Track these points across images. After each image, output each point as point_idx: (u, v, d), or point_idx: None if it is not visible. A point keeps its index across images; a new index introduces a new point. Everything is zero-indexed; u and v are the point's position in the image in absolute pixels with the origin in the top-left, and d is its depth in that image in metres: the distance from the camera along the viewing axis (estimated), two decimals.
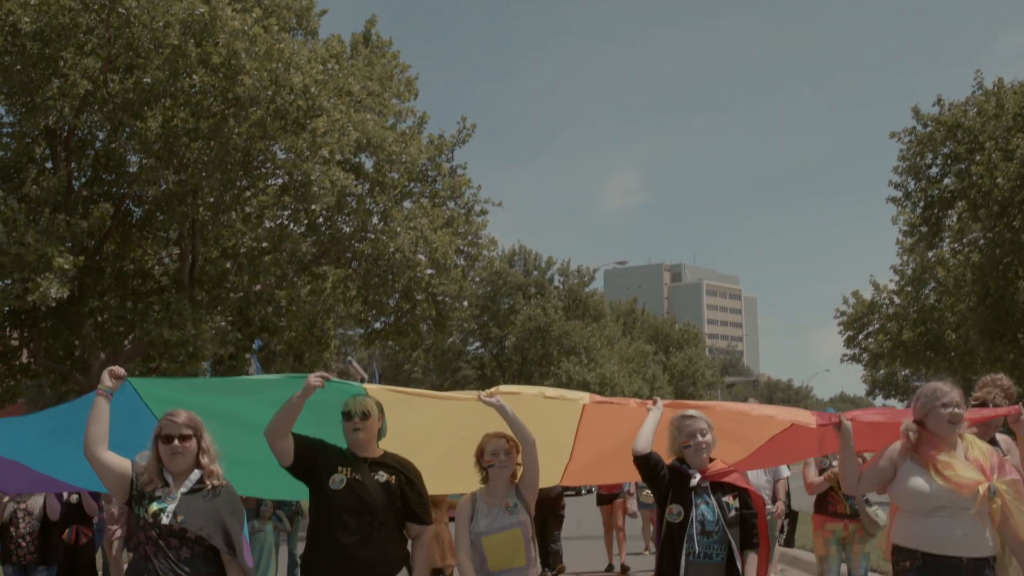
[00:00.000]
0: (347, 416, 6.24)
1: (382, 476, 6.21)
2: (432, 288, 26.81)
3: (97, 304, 21.67)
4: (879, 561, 11.71)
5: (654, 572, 6.52)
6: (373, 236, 25.36)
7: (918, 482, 6.04)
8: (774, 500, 11.65)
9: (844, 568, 10.37)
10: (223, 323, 22.28)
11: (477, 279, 55.63)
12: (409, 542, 6.48)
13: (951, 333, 38.81)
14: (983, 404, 7.22)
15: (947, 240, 35.07)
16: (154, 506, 5.67)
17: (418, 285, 26.22)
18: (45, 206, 19.85)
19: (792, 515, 12.54)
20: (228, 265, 24.63)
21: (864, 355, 45.28)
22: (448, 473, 7.03)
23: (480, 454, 6.56)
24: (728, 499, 6.39)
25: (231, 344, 22.48)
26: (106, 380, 5.95)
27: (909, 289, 42.09)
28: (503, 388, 6.68)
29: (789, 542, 12.58)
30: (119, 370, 6.03)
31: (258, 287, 24.61)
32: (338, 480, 6.12)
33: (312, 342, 28.17)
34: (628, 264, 79.56)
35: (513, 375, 57.58)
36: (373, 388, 6.62)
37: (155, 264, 25.23)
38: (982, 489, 5.89)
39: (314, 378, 6.09)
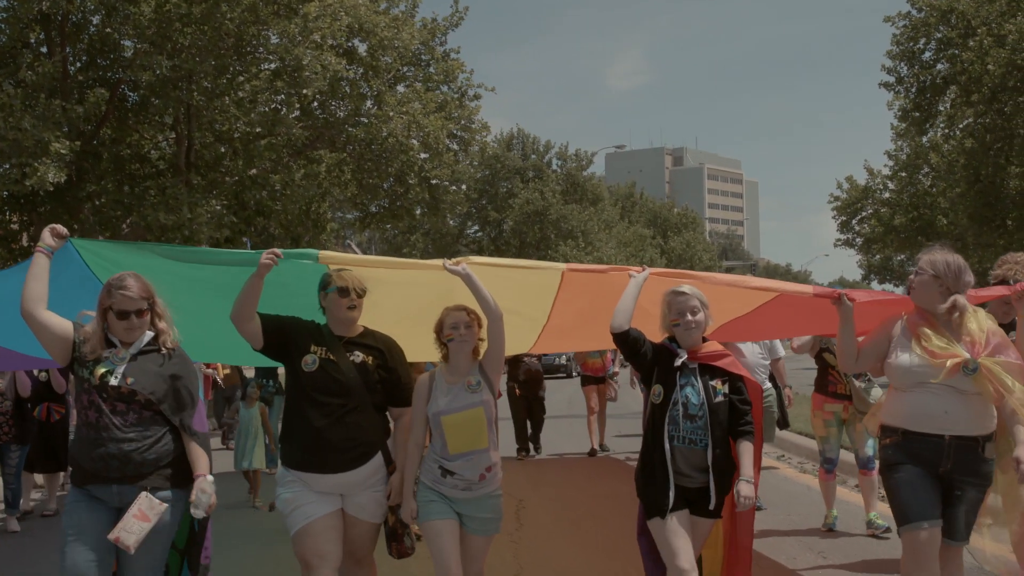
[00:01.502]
0: (343, 292, 5.91)
1: (357, 356, 5.92)
2: (425, 172, 27.07)
3: (95, 188, 21.94)
4: None
5: (639, 457, 6.14)
6: (366, 121, 25.57)
7: (902, 355, 5.86)
8: (772, 379, 11.50)
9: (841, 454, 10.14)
10: (218, 207, 22.55)
11: (475, 163, 55.88)
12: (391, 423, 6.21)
13: (943, 218, 39.04)
14: (1003, 281, 6.84)
15: (940, 126, 35.16)
16: (101, 368, 5.30)
17: (411, 169, 26.48)
18: (41, 91, 19.98)
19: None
20: (223, 150, 24.83)
21: (857, 240, 45.66)
22: (421, 340, 6.61)
23: (439, 328, 6.08)
24: (716, 383, 5.94)
25: (227, 228, 22.76)
26: (47, 238, 5.53)
27: (903, 174, 42.22)
28: (473, 259, 6.16)
29: (782, 423, 12.31)
30: (61, 228, 5.62)
31: (253, 171, 24.85)
32: (311, 361, 5.84)
33: (308, 225, 28.45)
34: (627, 148, 79.79)
35: (511, 258, 57.88)
36: (328, 255, 6.21)
37: (151, 148, 25.42)
38: (950, 363, 5.64)
39: (265, 257, 5.67)
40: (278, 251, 5.72)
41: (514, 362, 16.21)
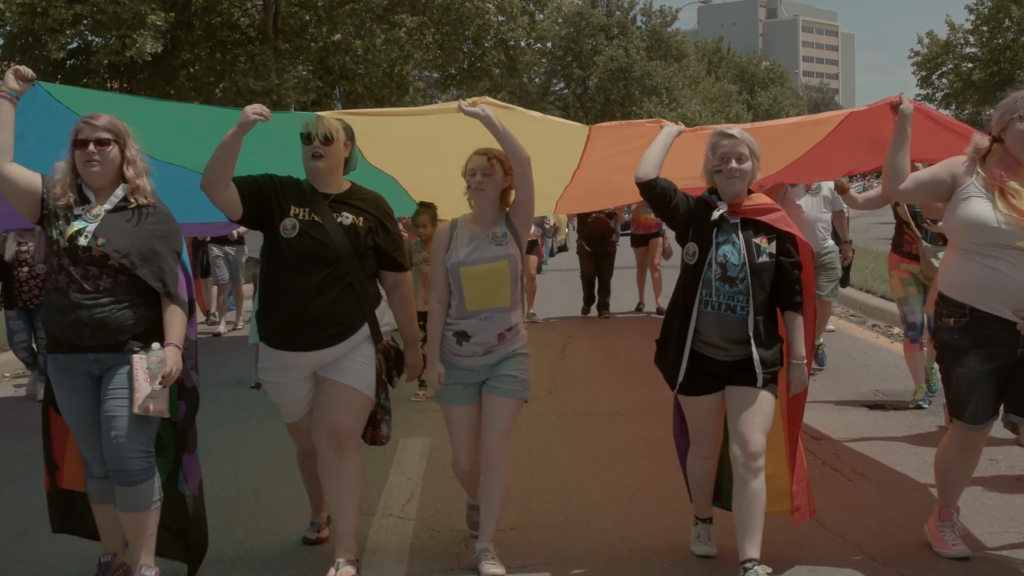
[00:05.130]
0: (306, 139, 5.17)
1: (346, 217, 5.18)
2: (501, 35, 28.15)
3: (189, 56, 23.46)
4: None
5: (662, 324, 5.32)
6: None
7: (978, 206, 4.85)
8: (834, 236, 10.54)
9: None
10: (304, 72, 24.01)
11: (559, 19, 56.40)
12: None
13: (1022, 72, 38.98)
14: None
15: None
16: (73, 226, 4.74)
17: (487, 32, 27.58)
18: None
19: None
20: (307, 17, 26.13)
21: (937, 95, 45.72)
22: (442, 189, 6.31)
23: (464, 174, 5.41)
24: (761, 240, 5.02)
25: (312, 92, 24.24)
26: (10, 81, 4.75)
27: (984, 29, 42.06)
28: (490, 100, 5.51)
29: (844, 281, 11.11)
30: (26, 71, 4.82)
31: (337, 37, 26.16)
32: (290, 226, 5.10)
33: (392, 87, 29.71)
34: (717, 1, 79.16)
35: (596, 115, 58.52)
36: (334, 113, 5.44)
37: (240, 16, 26.77)
38: None
39: (251, 110, 4.89)
40: (267, 110, 4.95)
41: (582, 216, 16.03)
